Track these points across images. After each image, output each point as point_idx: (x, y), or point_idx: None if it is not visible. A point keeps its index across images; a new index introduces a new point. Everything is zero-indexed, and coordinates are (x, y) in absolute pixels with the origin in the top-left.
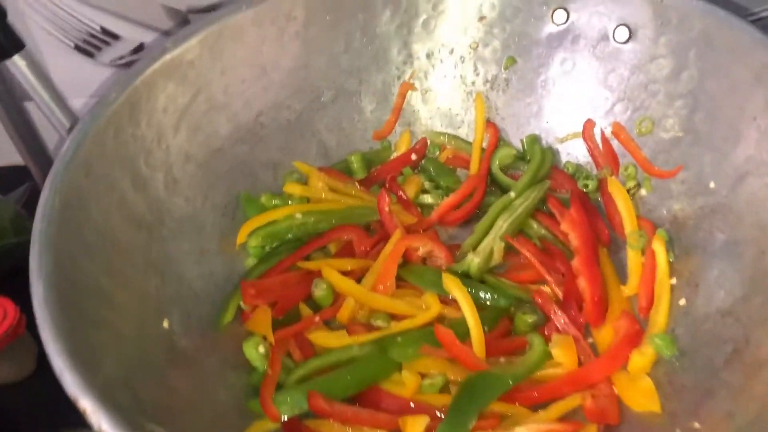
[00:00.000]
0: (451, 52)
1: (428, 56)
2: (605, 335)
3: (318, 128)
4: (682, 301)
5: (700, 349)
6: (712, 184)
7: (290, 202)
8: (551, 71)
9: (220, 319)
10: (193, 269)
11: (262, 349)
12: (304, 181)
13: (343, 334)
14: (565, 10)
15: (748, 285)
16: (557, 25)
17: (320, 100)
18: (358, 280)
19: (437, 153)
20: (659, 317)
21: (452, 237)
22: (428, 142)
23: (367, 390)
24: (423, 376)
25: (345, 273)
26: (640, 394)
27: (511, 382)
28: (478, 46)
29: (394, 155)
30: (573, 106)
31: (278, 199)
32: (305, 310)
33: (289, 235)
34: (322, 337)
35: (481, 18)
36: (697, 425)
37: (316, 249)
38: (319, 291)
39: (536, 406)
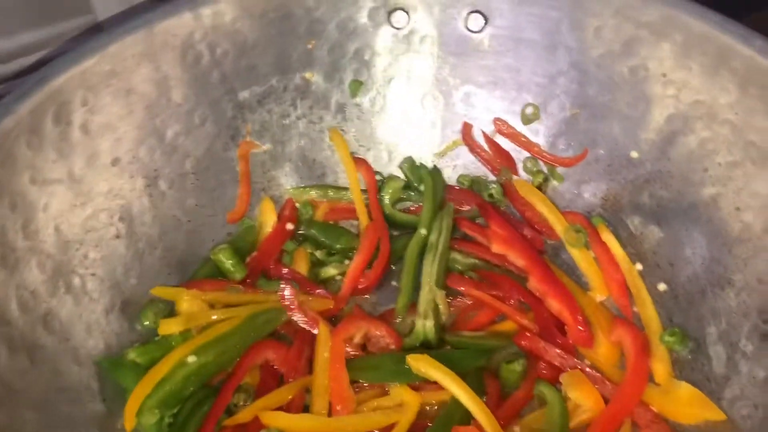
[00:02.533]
0: (285, 89)
1: (260, 102)
2: (605, 353)
3: (156, 234)
4: (662, 286)
5: (715, 333)
6: (634, 154)
7: (172, 344)
8: (406, 82)
9: None
10: None
11: None
12: (172, 310)
13: None
14: (404, 10)
15: (737, 246)
16: (398, 28)
17: (149, 197)
18: (305, 409)
19: (311, 213)
20: (648, 312)
21: (376, 305)
22: (296, 204)
23: None
24: None
25: (285, 408)
26: (687, 405)
27: None
28: (314, 76)
29: (264, 233)
30: (441, 113)
31: (153, 349)
32: None
33: (191, 388)
34: None
35: (309, 41)
36: None
37: (235, 392)
38: None
39: None
